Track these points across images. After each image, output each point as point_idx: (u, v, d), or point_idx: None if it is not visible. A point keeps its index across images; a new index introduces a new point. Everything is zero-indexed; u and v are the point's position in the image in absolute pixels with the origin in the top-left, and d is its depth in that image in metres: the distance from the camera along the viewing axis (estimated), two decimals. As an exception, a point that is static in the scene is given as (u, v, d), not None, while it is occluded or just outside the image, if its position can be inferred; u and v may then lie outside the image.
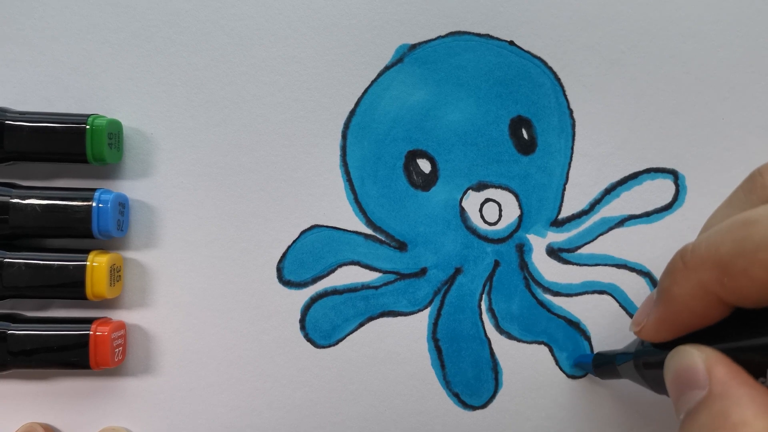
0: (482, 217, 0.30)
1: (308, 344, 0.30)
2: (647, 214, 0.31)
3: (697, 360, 0.20)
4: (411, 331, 0.30)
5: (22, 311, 0.29)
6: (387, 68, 0.30)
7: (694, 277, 0.20)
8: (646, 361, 0.24)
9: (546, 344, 0.30)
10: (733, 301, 0.19)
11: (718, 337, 0.20)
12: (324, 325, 0.30)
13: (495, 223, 0.31)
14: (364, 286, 0.30)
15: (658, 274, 0.30)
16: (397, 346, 0.30)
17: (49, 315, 0.30)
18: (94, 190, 0.28)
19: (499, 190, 0.30)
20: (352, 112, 0.30)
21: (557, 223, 0.31)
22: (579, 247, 0.31)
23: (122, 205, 0.29)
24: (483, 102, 0.30)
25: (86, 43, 0.30)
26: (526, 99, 0.30)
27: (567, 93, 0.30)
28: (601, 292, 0.31)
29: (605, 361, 0.28)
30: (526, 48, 0.30)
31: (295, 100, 0.30)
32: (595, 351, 0.30)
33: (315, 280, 0.30)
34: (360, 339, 0.30)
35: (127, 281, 0.30)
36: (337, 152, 0.30)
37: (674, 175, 0.31)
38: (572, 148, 0.31)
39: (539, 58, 0.30)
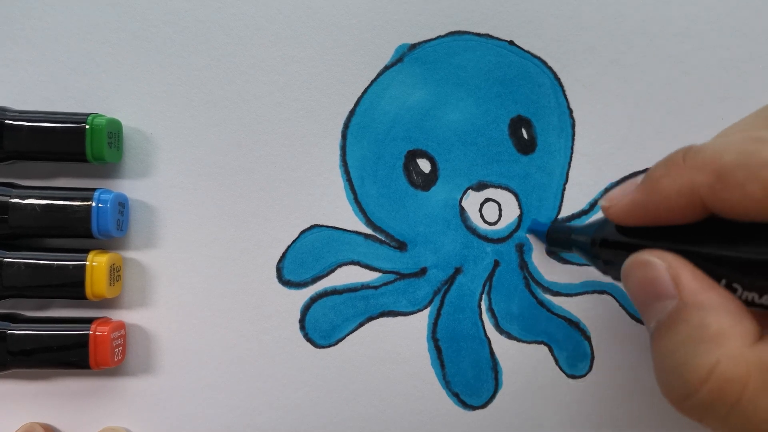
0: (482, 216, 0.30)
1: (308, 344, 0.30)
2: (647, 214, 0.31)
3: (661, 269, 0.20)
4: (411, 331, 0.30)
5: (22, 311, 0.29)
6: (387, 68, 0.30)
7: (688, 175, 0.20)
8: (603, 239, 0.24)
9: (546, 344, 0.30)
10: (716, 210, 0.19)
11: (684, 238, 0.20)
12: (324, 325, 0.30)
13: (495, 223, 0.31)
14: (364, 286, 0.30)
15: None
16: (397, 345, 0.30)
17: (49, 315, 0.30)
18: (93, 189, 0.28)
19: (499, 190, 0.30)
20: (352, 112, 0.30)
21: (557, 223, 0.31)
22: (579, 247, 0.31)
23: (122, 204, 0.29)
24: (483, 102, 0.30)
25: (86, 43, 0.30)
26: (526, 99, 0.30)
27: (567, 93, 0.30)
28: (601, 292, 0.31)
29: (561, 230, 0.28)
30: (526, 48, 0.30)
31: (295, 100, 0.30)
32: (595, 349, 0.30)
33: (315, 280, 0.30)
34: (360, 339, 0.30)
35: (126, 281, 0.30)
36: (337, 152, 0.30)
37: (674, 174, 0.31)
38: (572, 148, 0.31)
39: (539, 58, 0.30)
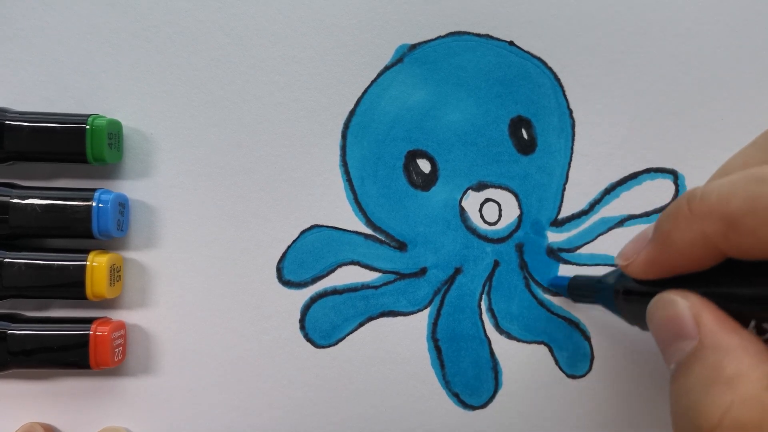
0: (482, 217, 0.30)
1: (308, 344, 0.30)
2: (647, 214, 0.31)
3: (683, 308, 0.20)
4: (411, 331, 0.30)
5: (22, 311, 0.29)
6: (387, 68, 0.30)
7: (698, 225, 0.19)
8: (626, 290, 0.24)
9: (546, 344, 0.30)
10: (733, 254, 0.19)
11: (706, 282, 0.20)
12: (324, 325, 0.30)
13: (495, 223, 0.31)
14: (364, 286, 0.30)
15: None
16: (397, 346, 0.30)
17: (49, 315, 0.30)
18: (94, 190, 0.28)
19: (499, 190, 0.31)
20: (352, 112, 0.30)
21: (557, 223, 0.31)
22: (579, 247, 0.31)
23: (122, 205, 0.29)
24: (483, 102, 0.30)
25: (86, 43, 0.30)
26: (526, 99, 0.30)
27: (567, 93, 0.30)
28: (600, 292, 0.31)
29: (583, 284, 0.28)
30: (526, 48, 0.30)
31: (295, 100, 0.30)
32: (595, 349, 0.30)
33: (315, 280, 0.30)
34: (360, 339, 0.30)
35: (127, 281, 0.30)
36: (337, 152, 0.30)
37: (674, 175, 0.31)
38: (572, 148, 0.31)
39: (539, 58, 0.30)
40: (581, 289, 0.28)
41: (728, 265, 0.20)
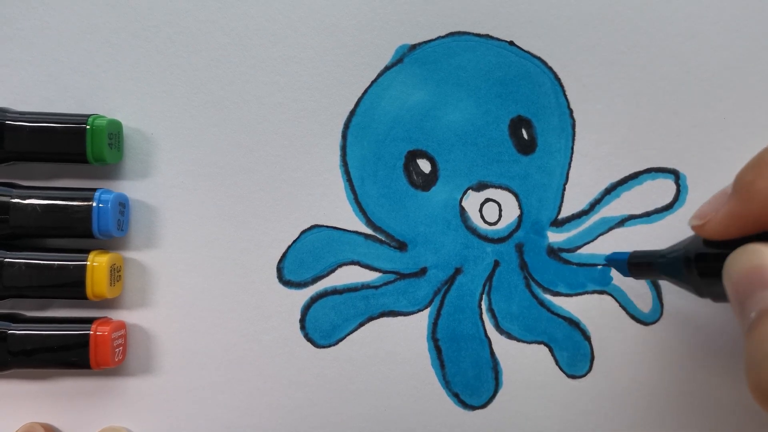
0: (482, 217, 0.30)
1: (308, 344, 0.30)
2: (648, 214, 0.31)
3: None
4: (411, 331, 0.30)
5: (22, 311, 0.29)
6: (387, 68, 0.30)
7: None
8: (699, 254, 0.23)
9: (546, 344, 0.30)
10: None
11: None
12: (324, 325, 0.30)
13: (495, 223, 0.31)
14: (364, 286, 0.30)
15: (658, 274, 0.30)
16: (397, 346, 0.30)
17: (49, 315, 0.30)
18: (94, 190, 0.28)
19: (499, 190, 0.30)
20: (352, 112, 0.30)
21: (557, 223, 0.31)
22: (579, 247, 0.31)
23: (122, 205, 0.29)
24: (483, 102, 0.30)
25: (86, 43, 0.30)
26: (526, 99, 0.30)
27: (567, 93, 0.30)
28: (601, 292, 0.31)
29: (644, 257, 0.27)
30: (526, 48, 0.30)
31: (295, 100, 0.30)
32: (595, 349, 0.30)
33: (315, 280, 0.30)
34: (360, 339, 0.30)
35: (127, 281, 0.30)
36: (337, 152, 0.30)
37: (675, 174, 0.31)
38: (572, 148, 0.31)
39: (539, 58, 0.30)
40: (643, 263, 0.27)
41: None
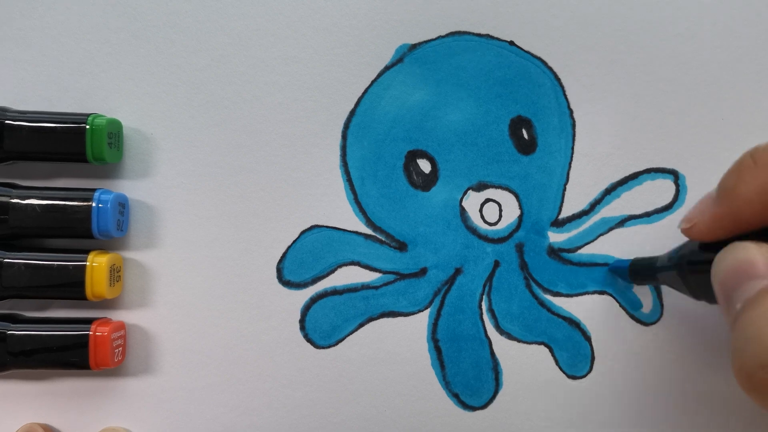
0: (482, 217, 0.30)
1: (308, 344, 0.30)
2: (647, 214, 0.31)
3: (755, 253, 0.20)
4: (411, 332, 0.30)
5: (22, 311, 0.29)
6: (387, 68, 0.30)
7: (764, 175, 0.20)
8: (690, 261, 0.24)
9: (546, 344, 0.30)
10: None
11: None
12: (324, 325, 0.30)
13: (495, 224, 0.31)
14: (364, 287, 0.30)
15: (658, 274, 0.30)
16: (397, 346, 0.30)
17: (49, 315, 0.30)
18: (94, 190, 0.28)
19: (499, 190, 0.30)
20: (352, 112, 0.30)
21: (558, 223, 0.31)
22: (579, 247, 0.31)
23: (122, 205, 0.29)
24: (483, 102, 0.30)
25: (86, 43, 0.30)
26: (526, 99, 0.30)
27: (567, 93, 0.30)
28: (601, 293, 0.31)
29: (644, 264, 0.28)
30: (526, 48, 0.30)
31: (295, 100, 0.30)
32: (595, 349, 0.30)
33: (315, 280, 0.30)
34: (360, 339, 0.30)
35: (127, 281, 0.30)
36: (337, 152, 0.30)
37: (674, 175, 0.31)
38: (572, 148, 0.31)
39: (539, 58, 0.30)
40: (643, 270, 0.28)
41: None
